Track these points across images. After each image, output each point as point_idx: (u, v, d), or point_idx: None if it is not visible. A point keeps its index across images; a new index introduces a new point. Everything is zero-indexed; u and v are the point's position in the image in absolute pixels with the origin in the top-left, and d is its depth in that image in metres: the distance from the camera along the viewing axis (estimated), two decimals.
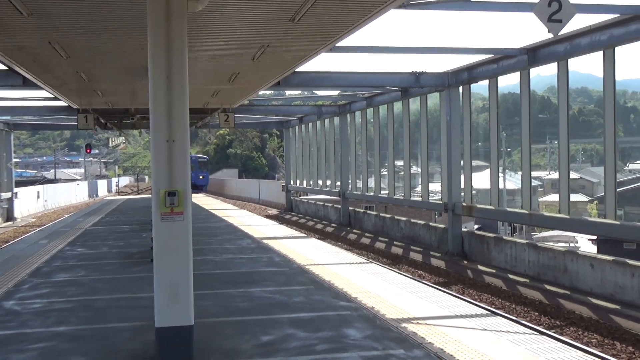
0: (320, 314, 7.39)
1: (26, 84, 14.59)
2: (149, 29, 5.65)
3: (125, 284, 9.32)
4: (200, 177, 53.33)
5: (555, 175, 55.38)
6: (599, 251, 18.82)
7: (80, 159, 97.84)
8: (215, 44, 9.55)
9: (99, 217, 21.84)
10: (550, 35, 13.68)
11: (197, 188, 51.59)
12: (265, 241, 14.02)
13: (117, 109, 21.99)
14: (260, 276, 9.79)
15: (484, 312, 7.93)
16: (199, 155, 58.89)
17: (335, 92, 28.67)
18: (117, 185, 66.91)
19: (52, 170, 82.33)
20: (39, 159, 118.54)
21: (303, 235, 16.63)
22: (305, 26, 8.35)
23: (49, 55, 10.09)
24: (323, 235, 24.66)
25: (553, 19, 5.08)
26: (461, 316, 7.28)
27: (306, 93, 38.21)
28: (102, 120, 26.52)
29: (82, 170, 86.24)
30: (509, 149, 55.66)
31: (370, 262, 12.62)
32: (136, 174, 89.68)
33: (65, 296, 8.60)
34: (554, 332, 9.50)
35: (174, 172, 5.75)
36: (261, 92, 22.38)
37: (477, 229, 32.61)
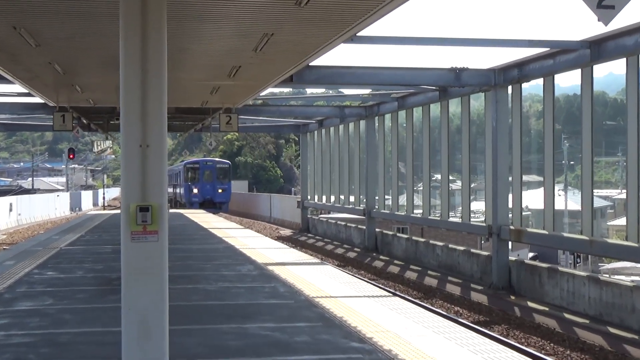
0: (325, 357, 7.31)
1: None
2: (120, 9, 5.68)
3: (98, 316, 9.34)
4: (220, 190, 47.59)
5: None
6: None
7: (62, 166, 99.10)
8: (209, 31, 9.60)
9: (78, 234, 22.03)
10: (618, 25, 13.46)
11: (214, 207, 45.95)
12: (270, 268, 13.99)
13: (102, 107, 22.25)
14: (260, 309, 9.75)
15: None
16: (218, 160, 53.44)
17: (365, 91, 28.74)
18: (103, 198, 67.53)
19: (30, 179, 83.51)
20: (15, 165, 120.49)
21: (317, 261, 16.57)
22: (314, 11, 8.34)
23: (15, 43, 10.23)
24: (343, 262, 24.57)
25: (603, 5, 4.97)
26: None
27: (331, 92, 38.36)
28: (85, 121, 26.90)
29: (64, 180, 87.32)
30: (572, 162, 55.05)
31: (395, 295, 12.50)
32: None
33: (26, 329, 8.64)
34: None
35: (148, 182, 5.75)
36: (277, 90, 22.30)
37: (532, 258, 32.23)
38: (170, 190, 54.03)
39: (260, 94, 20.19)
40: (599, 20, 4.98)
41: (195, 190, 47.10)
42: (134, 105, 5.68)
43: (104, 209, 59.23)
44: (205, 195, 47.08)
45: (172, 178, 54.02)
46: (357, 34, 10.65)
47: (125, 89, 5.70)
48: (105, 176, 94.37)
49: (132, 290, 5.71)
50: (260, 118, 32.67)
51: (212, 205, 45.86)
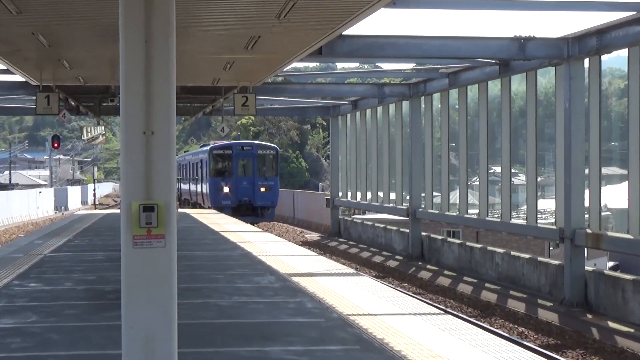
0: None
1: None
2: None
3: (91, 336, 9.41)
4: (262, 188, 39.28)
5: None
6: None
7: (45, 157, 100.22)
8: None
9: (65, 238, 22.25)
10: None
11: (254, 213, 39.46)
12: (295, 279, 14.02)
13: (93, 86, 22.44)
14: (284, 330, 9.76)
15: None
16: (260, 144, 44.59)
17: (409, 66, 28.60)
18: (94, 195, 68.21)
19: (7, 173, 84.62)
20: None
21: (351, 271, 16.59)
22: None
23: None
24: (382, 272, 24.55)
25: None
26: None
27: (367, 67, 38.29)
28: (73, 103, 27.20)
29: (47, 173, 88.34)
30: None
31: (446, 312, 12.45)
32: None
33: (6, 351, 8.74)
34: None
35: (154, 176, 5.78)
36: (302, 65, 22.15)
37: (612, 268, 31.95)
38: (187, 186, 49.25)
39: (283, 70, 20.23)
40: None
41: (226, 189, 38.88)
42: (136, 84, 5.71)
43: (95, 208, 59.81)
44: (241, 197, 38.91)
45: (190, 170, 47.68)
46: None
47: (126, 65, 5.72)
48: (96, 169, 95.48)
49: (135, 305, 5.74)
50: (282, 99, 32.76)
51: (250, 211, 38.43)
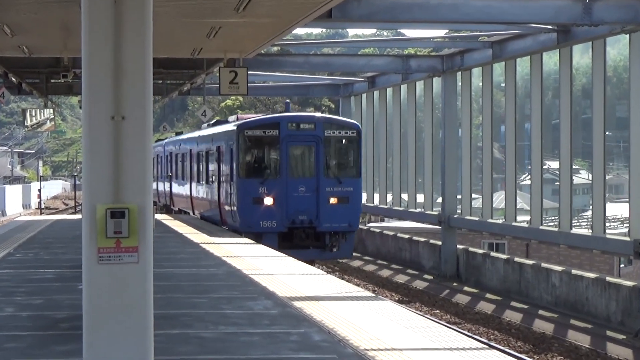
0: None
1: None
2: None
3: None
4: (333, 199, 27.72)
5: None
6: None
7: None
8: None
9: (3, 252, 22.26)
10: None
11: (320, 245, 28.06)
12: (297, 304, 14.03)
13: (40, 57, 22.44)
14: None
15: None
16: (331, 118, 30.51)
17: (440, 33, 28.54)
18: (39, 197, 68.25)
19: None
20: None
21: (369, 295, 16.57)
22: None
23: None
24: (407, 296, 24.53)
25: None
26: None
27: (386, 33, 38.28)
28: (14, 79, 27.24)
29: None
30: None
31: (492, 347, 12.43)
32: (75, 175, 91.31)
33: None
34: None
35: (124, 174, 5.83)
36: (303, 32, 21.88)
37: None
38: (182, 191, 40.11)
39: (281, 38, 20.24)
40: None
41: (268, 201, 27.46)
42: (102, 56, 5.74)
43: (41, 213, 59.86)
44: (296, 215, 27.60)
45: (189, 165, 38.26)
46: None
47: (89, 31, 5.75)
48: (41, 163, 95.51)
49: (100, 337, 5.78)
50: (279, 74, 32.82)
51: (312, 240, 27.75)
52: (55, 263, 19.40)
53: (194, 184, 37.14)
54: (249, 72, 21.76)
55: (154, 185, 45.94)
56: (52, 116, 36.14)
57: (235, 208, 28.37)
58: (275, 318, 12.91)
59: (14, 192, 73.52)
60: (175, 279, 16.85)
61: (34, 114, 40.76)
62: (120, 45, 5.76)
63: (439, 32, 28.90)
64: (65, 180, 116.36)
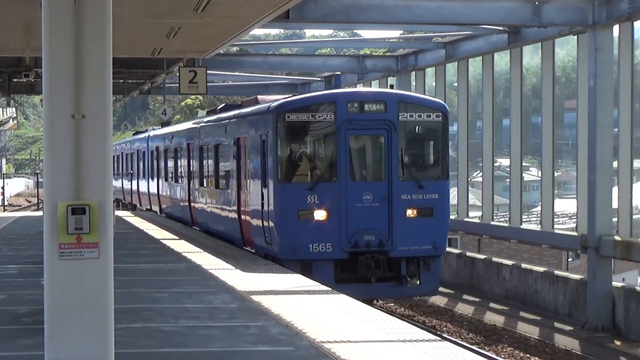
0: None
1: None
2: None
3: None
4: (411, 211, 19.35)
5: None
6: None
7: None
8: None
9: None
10: None
11: (394, 277, 19.22)
12: (255, 297, 14.02)
13: (3, 57, 22.27)
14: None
15: None
16: (408, 96, 21.37)
17: (394, 34, 28.62)
18: (2, 194, 67.63)
19: None
20: None
21: (325, 289, 16.48)
22: None
23: None
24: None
25: None
26: None
27: (343, 34, 38.31)
28: None
29: None
30: None
31: (444, 339, 12.49)
32: (37, 173, 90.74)
33: None
34: None
35: (85, 171, 5.81)
36: (261, 32, 21.96)
37: None
38: (204, 198, 27.16)
39: (240, 39, 20.19)
40: None
41: (320, 214, 19.10)
42: (63, 55, 5.70)
43: (4, 210, 59.38)
44: (359, 235, 19.01)
45: (193, 160, 28.73)
46: None
47: (50, 30, 5.71)
48: (4, 161, 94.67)
49: (62, 331, 5.75)
50: (238, 74, 32.75)
51: (383, 267, 18.99)
52: (18, 259, 19.27)
53: (193, 189, 28.32)
54: (208, 71, 21.72)
55: (135, 186, 41.37)
56: (15, 115, 35.90)
57: (270, 224, 19.14)
58: (234, 312, 12.92)
59: None
60: (136, 274, 16.77)
61: None
62: (81, 44, 5.73)
63: (394, 33, 28.96)
64: (28, 178, 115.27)
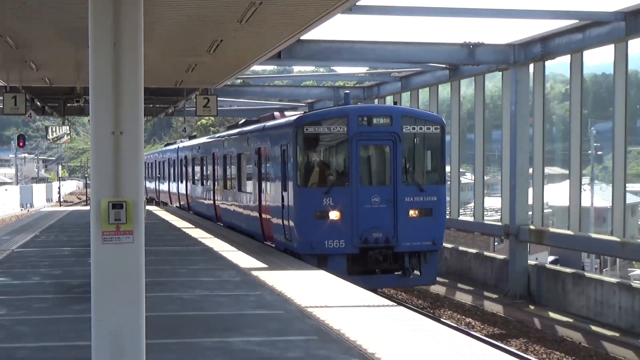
0: None
1: None
2: None
3: (59, 328, 9.32)
4: (413, 211, 17.30)
5: None
6: None
7: (10, 155, 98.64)
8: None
9: (31, 235, 21.93)
10: None
11: (399, 270, 17.34)
12: (254, 273, 14.01)
13: (59, 87, 22.16)
14: (245, 321, 9.76)
15: None
16: (410, 111, 19.25)
17: (362, 70, 28.67)
18: (59, 193, 67.31)
19: None
20: None
21: (310, 266, 16.38)
22: None
23: None
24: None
25: None
26: None
27: (322, 70, 38.34)
28: (39, 103, 26.82)
29: (12, 171, 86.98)
30: (599, 153, 55.15)
31: (400, 304, 12.50)
32: (86, 177, 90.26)
33: None
34: None
35: (122, 175, 5.77)
36: (259, 69, 22.23)
37: (553, 262, 32.44)
38: (226, 199, 24.96)
39: (243, 73, 20.17)
40: None
41: (334, 214, 17.23)
42: (105, 86, 5.67)
43: (60, 205, 59.08)
44: (369, 232, 17.20)
45: (232, 164, 24.58)
46: (357, 3, 10.68)
47: (95, 67, 5.68)
48: (60, 167, 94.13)
49: (105, 299, 5.71)
50: (241, 100, 32.70)
51: (388, 263, 17.24)
52: (71, 243, 19.18)
53: (217, 190, 26.09)
54: (218, 98, 21.64)
55: (166, 188, 40.16)
56: (68, 132, 35.60)
57: (290, 224, 17.27)
58: (238, 284, 12.85)
59: (39, 190, 72.38)
60: (162, 254, 16.69)
61: (54, 130, 39.66)
62: (119, 77, 5.71)
63: (362, 69, 28.99)
64: (79, 181, 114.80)
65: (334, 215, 16.59)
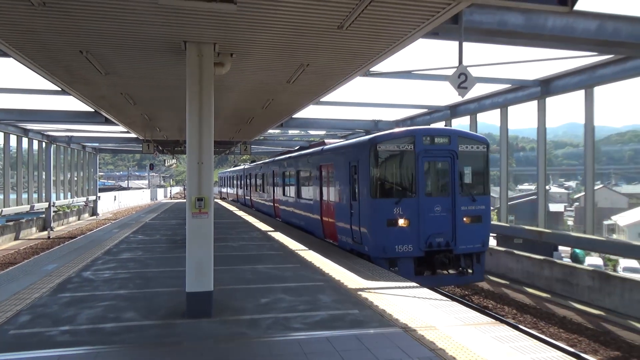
0: (302, 284, 7.27)
1: (107, 122, 14.59)
2: (187, 87, 5.65)
3: (169, 261, 9.16)
4: (466, 218, 9.60)
5: None
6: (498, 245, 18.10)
7: (145, 174, 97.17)
8: (236, 96, 9.51)
9: (155, 214, 21.55)
10: (465, 97, 13.70)
11: (457, 270, 9.60)
12: (270, 233, 13.73)
13: (170, 139, 21.85)
14: (264, 257, 9.64)
15: None
16: (462, 132, 10.16)
17: (322, 132, 28.61)
18: (170, 193, 66.28)
19: (126, 181, 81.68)
20: (117, 173, 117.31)
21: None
22: (298, 87, 8.37)
23: (122, 102, 9.98)
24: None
25: (461, 86, 5.12)
26: None
27: (302, 132, 38.06)
28: (160, 147, 26.35)
29: (146, 182, 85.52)
30: None
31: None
32: (184, 185, 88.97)
33: (126, 269, 8.43)
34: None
35: (202, 184, 5.69)
36: (271, 131, 22.17)
37: None
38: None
39: (264, 133, 20.01)
40: (459, 94, 5.11)
41: (402, 222, 9.13)
42: (194, 139, 5.64)
43: (171, 199, 58.15)
44: (432, 237, 9.36)
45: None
46: (320, 99, 10.50)
47: (190, 130, 5.65)
48: (171, 180, 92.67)
49: (193, 246, 5.64)
50: (263, 147, 32.46)
51: (448, 264, 9.32)
52: (176, 217, 18.87)
53: (276, 197, 18.07)
54: (252, 146, 21.48)
55: (238, 193, 32.89)
56: (175, 162, 35.03)
57: (362, 230, 9.97)
58: (261, 239, 12.43)
59: (160, 191, 71.27)
60: (220, 225, 16.20)
61: (168, 161, 39.03)
62: (201, 135, 5.66)
63: (322, 132, 28.86)
64: (181, 187, 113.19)
65: (402, 222, 9.70)
